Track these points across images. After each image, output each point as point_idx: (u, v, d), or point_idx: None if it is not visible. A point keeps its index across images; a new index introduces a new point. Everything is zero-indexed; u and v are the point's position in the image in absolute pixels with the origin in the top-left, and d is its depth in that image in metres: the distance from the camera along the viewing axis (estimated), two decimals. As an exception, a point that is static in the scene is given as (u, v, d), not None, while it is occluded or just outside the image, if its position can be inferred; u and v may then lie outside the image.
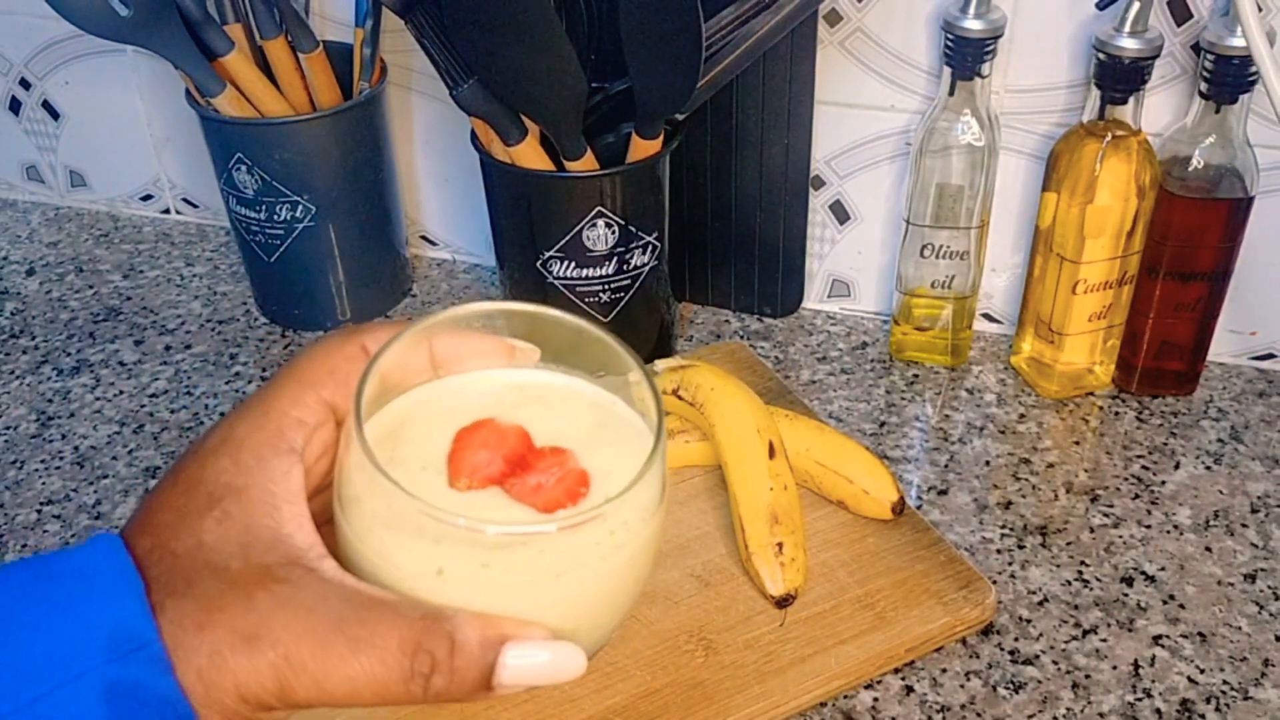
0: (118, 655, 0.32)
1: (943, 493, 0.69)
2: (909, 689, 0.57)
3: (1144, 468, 0.71)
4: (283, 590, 0.34)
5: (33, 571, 0.34)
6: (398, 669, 0.33)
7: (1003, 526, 0.67)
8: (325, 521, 0.37)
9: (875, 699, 0.57)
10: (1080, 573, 0.64)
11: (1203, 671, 0.58)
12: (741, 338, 0.84)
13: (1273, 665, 0.58)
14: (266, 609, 0.33)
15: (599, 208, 0.69)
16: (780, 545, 0.59)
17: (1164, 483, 0.70)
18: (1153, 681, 0.58)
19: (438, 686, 0.33)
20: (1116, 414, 0.75)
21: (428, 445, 0.37)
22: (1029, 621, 0.61)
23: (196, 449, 0.37)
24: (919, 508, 0.68)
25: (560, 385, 0.40)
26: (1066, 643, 0.60)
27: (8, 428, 0.77)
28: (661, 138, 0.70)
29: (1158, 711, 0.56)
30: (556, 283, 0.72)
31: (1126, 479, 0.70)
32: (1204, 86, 0.67)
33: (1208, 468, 0.71)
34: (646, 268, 0.74)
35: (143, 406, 0.78)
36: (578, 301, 0.73)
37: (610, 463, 0.36)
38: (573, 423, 0.38)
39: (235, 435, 0.36)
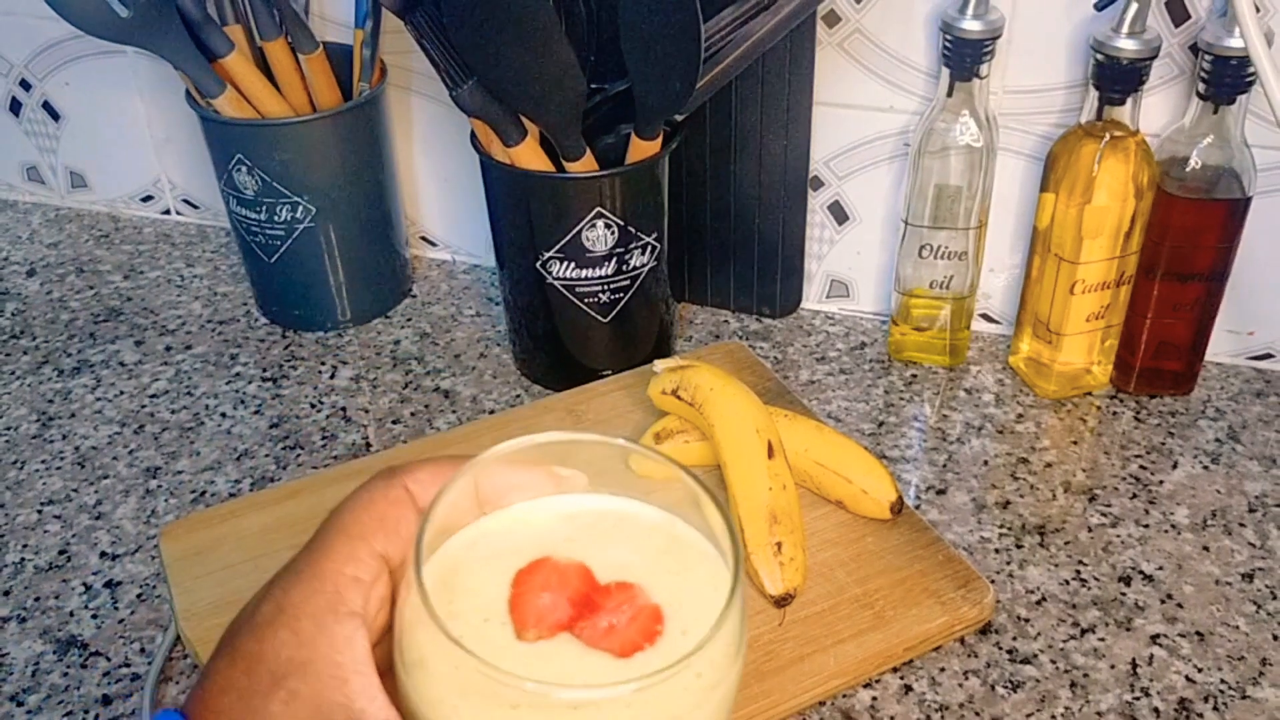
0: None
1: (941, 492, 0.70)
2: (907, 688, 0.57)
3: (1142, 467, 0.71)
4: None
5: None
6: None
7: (1001, 526, 0.67)
8: (388, 669, 0.35)
9: (874, 698, 0.57)
10: (1078, 572, 0.64)
11: (1200, 670, 0.58)
12: (740, 338, 0.84)
13: (1270, 664, 0.59)
14: None
15: (598, 208, 0.69)
16: (779, 545, 0.60)
17: (1162, 482, 0.70)
18: (1151, 680, 0.58)
19: None
20: (1114, 414, 0.76)
21: (486, 592, 0.35)
22: (1027, 621, 0.61)
23: (250, 620, 0.35)
24: (917, 507, 0.68)
25: (613, 511, 0.38)
26: (1065, 642, 0.60)
27: (8, 428, 0.77)
28: (660, 138, 0.70)
29: (1155, 710, 0.56)
30: (556, 283, 0.73)
31: (1124, 478, 0.70)
32: (1202, 87, 0.67)
33: (1205, 467, 0.71)
34: (646, 268, 0.74)
35: (143, 407, 0.78)
36: (577, 302, 0.73)
37: (680, 593, 0.35)
38: (633, 551, 0.36)
39: (290, 603, 0.34)
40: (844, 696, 0.57)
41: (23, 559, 0.66)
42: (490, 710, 0.31)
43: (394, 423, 0.76)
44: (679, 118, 0.71)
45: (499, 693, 0.31)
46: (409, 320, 0.87)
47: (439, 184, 0.91)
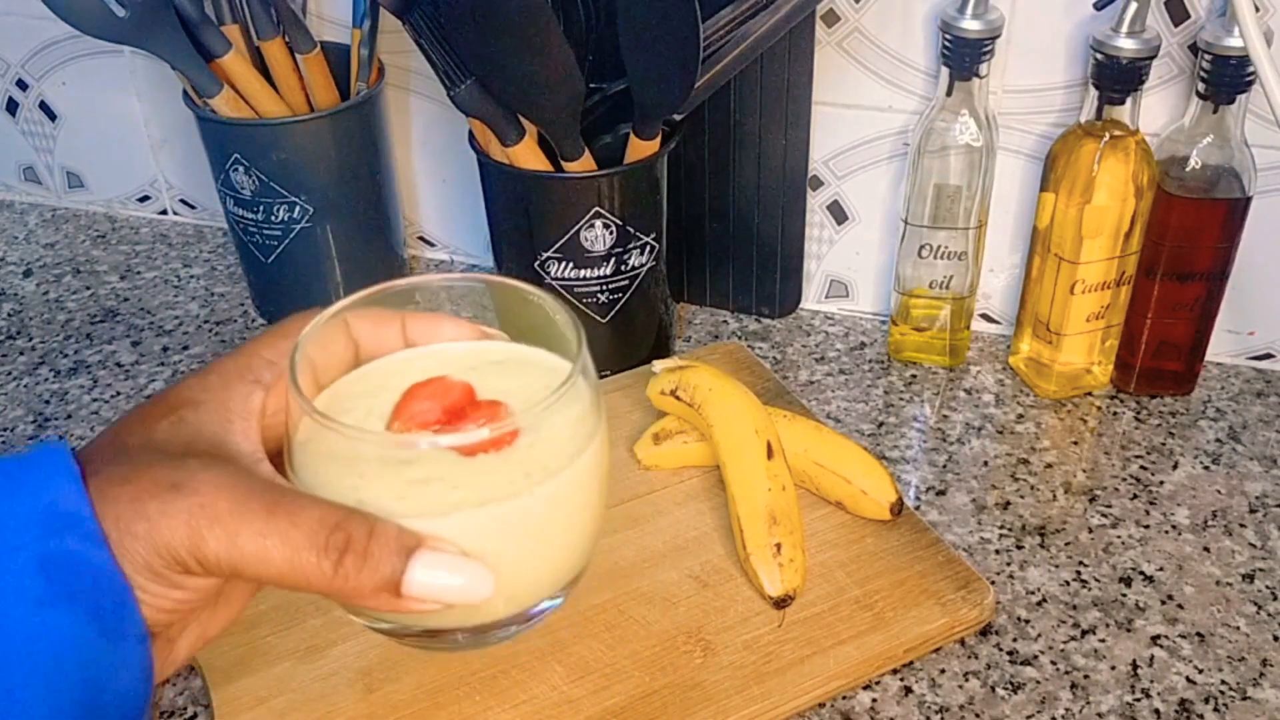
0: (53, 531, 0.34)
1: (941, 493, 0.69)
2: (907, 690, 0.57)
3: (1142, 468, 0.71)
4: (213, 460, 0.37)
5: None
6: (311, 538, 0.35)
7: (1001, 527, 0.67)
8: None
9: (874, 700, 0.57)
10: (1079, 573, 0.64)
11: (1201, 671, 0.58)
12: (739, 338, 0.84)
13: (1271, 665, 0.58)
14: (194, 468, 0.36)
15: (597, 208, 0.69)
16: (778, 546, 0.59)
17: (1162, 483, 0.70)
18: (1151, 682, 0.58)
19: (348, 568, 0.35)
20: (1115, 414, 0.75)
21: (380, 398, 0.40)
22: (1027, 622, 0.61)
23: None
24: (917, 508, 0.68)
25: (523, 354, 0.43)
26: (1065, 643, 0.60)
27: (5, 429, 0.76)
28: (659, 138, 0.70)
29: (1156, 712, 0.56)
30: (555, 283, 0.72)
31: (1125, 479, 0.70)
32: (1201, 87, 0.67)
33: (1206, 468, 0.71)
34: (644, 268, 0.73)
35: (140, 408, 0.78)
36: (576, 302, 0.73)
37: (544, 416, 0.38)
38: (524, 385, 0.41)
39: (207, 367, 0.40)
40: (844, 698, 0.57)
41: (19, 560, 0.66)
42: (340, 476, 0.37)
43: (392, 423, 0.76)
44: (677, 117, 0.70)
45: (350, 462, 0.37)
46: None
47: (437, 184, 0.91)
